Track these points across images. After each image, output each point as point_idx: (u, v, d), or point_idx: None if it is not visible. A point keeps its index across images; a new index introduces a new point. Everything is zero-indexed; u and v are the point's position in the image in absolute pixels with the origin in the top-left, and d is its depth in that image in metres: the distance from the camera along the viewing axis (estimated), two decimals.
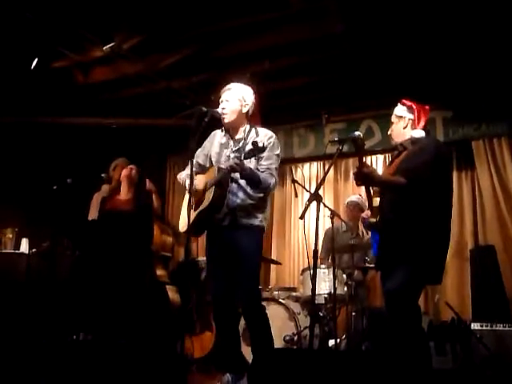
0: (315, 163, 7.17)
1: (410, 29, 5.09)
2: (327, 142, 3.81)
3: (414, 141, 3.61)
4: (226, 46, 5.61)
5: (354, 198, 5.99)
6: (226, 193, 3.60)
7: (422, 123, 3.68)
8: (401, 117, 3.73)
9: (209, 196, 3.58)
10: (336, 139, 3.68)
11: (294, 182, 4.97)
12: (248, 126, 3.75)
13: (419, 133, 3.63)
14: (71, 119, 6.61)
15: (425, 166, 3.37)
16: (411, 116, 3.70)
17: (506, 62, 5.55)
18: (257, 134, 3.69)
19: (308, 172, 7.16)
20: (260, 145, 3.44)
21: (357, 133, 3.58)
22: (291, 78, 6.18)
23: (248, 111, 3.76)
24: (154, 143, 7.46)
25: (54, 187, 4.84)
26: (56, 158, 6.56)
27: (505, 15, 4.80)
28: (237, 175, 3.58)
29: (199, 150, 3.92)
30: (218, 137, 3.88)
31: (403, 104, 3.77)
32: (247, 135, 3.71)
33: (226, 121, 3.73)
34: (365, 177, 3.36)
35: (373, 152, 6.77)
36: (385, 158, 6.78)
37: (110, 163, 5.12)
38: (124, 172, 4.98)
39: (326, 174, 3.69)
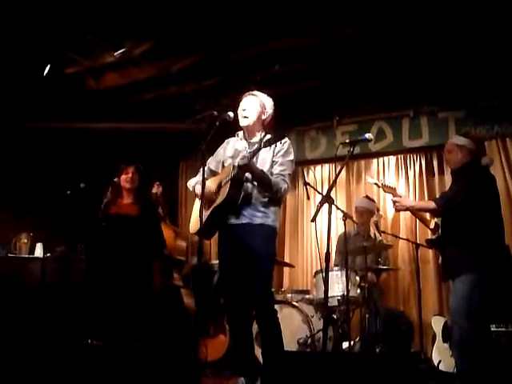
0: (327, 165, 7.15)
1: (421, 30, 5.07)
2: (338, 144, 3.84)
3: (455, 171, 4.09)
4: (237, 50, 5.58)
5: (363, 202, 5.99)
6: (241, 189, 3.61)
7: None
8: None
9: (224, 191, 3.60)
10: (347, 141, 3.77)
11: (306, 184, 4.96)
12: (264, 133, 3.80)
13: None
14: (84, 124, 6.65)
15: (455, 195, 3.86)
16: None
17: None
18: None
19: (320, 174, 7.14)
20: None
21: (367, 135, 3.66)
22: (302, 80, 6.17)
23: (266, 120, 3.84)
24: (165, 148, 7.48)
25: (68, 192, 4.87)
26: (69, 163, 6.60)
27: None
28: (250, 176, 3.61)
29: (212, 157, 3.97)
30: (231, 143, 3.94)
31: None
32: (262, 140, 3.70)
33: (244, 123, 3.80)
34: (398, 206, 4.08)
35: (384, 154, 6.78)
36: (397, 159, 6.76)
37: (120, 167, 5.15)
38: (123, 176, 5.03)
39: (337, 175, 3.73)
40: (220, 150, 3.98)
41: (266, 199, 3.66)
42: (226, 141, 3.98)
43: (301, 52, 5.55)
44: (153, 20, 5.11)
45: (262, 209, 3.65)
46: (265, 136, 3.74)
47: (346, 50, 5.49)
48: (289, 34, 5.24)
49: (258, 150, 3.53)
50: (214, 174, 3.93)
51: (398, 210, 4.36)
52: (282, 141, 3.70)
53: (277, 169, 3.68)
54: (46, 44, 5.24)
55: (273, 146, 3.62)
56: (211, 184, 3.77)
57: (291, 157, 3.76)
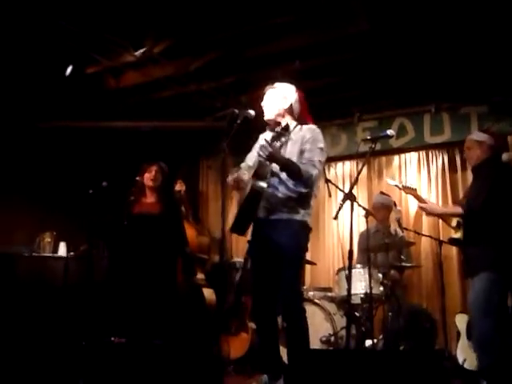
0: (348, 162, 7.13)
1: (442, 23, 5.03)
2: (360, 141, 3.83)
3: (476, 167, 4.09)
4: (256, 47, 5.58)
5: (378, 198, 5.98)
6: (263, 182, 3.53)
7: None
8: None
9: (248, 188, 3.58)
10: (368, 138, 3.76)
11: (327, 181, 4.93)
12: (294, 123, 3.74)
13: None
14: (105, 123, 6.69)
15: (477, 195, 3.84)
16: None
17: None
18: (301, 130, 3.69)
19: (341, 171, 7.14)
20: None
21: (389, 131, 3.66)
22: (322, 77, 6.13)
23: (291, 107, 3.78)
24: (186, 146, 7.51)
25: (90, 191, 4.91)
26: (91, 162, 6.65)
27: None
28: (279, 170, 3.56)
29: (250, 152, 3.95)
30: (261, 137, 3.89)
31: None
32: (291, 131, 3.68)
33: (265, 118, 3.79)
34: (427, 213, 4.28)
35: (406, 150, 6.74)
36: (418, 155, 6.73)
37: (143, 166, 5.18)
38: (146, 175, 5.06)
39: (359, 173, 3.75)
40: (255, 144, 3.96)
41: (295, 194, 3.58)
42: (260, 135, 3.94)
43: (320, 48, 5.53)
44: (171, 18, 5.12)
45: (291, 203, 3.58)
46: (295, 127, 3.70)
47: (366, 46, 5.45)
48: (308, 30, 5.22)
49: (273, 138, 3.53)
50: (251, 169, 3.92)
51: (426, 215, 4.37)
52: (312, 129, 3.69)
53: (305, 156, 3.59)
54: (67, 44, 5.28)
55: (300, 136, 3.61)
56: (246, 181, 3.72)
57: (320, 144, 3.66)
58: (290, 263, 3.57)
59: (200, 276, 5.78)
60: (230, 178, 3.65)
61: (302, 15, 4.98)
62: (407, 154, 6.80)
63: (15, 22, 4.96)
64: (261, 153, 3.46)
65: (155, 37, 5.41)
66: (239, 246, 6.75)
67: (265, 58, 5.74)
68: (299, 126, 3.70)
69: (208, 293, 5.67)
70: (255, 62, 5.84)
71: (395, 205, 5.83)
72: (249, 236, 3.80)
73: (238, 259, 6.00)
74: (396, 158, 6.87)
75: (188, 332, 5.13)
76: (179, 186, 5.48)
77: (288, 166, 3.53)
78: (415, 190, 4.50)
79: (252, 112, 3.58)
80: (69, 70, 5.56)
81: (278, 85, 3.85)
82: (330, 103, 6.81)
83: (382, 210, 5.88)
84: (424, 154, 6.69)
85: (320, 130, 3.75)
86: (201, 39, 5.48)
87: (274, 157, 3.47)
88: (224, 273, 5.56)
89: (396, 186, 4.72)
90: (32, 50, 5.41)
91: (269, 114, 3.79)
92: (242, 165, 3.91)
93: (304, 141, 3.64)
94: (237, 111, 3.52)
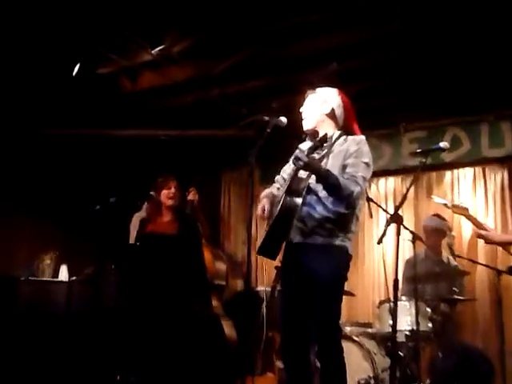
0: (391, 178, 7.05)
1: (500, 20, 4.92)
2: (407, 154, 3.74)
3: None
4: (287, 48, 5.57)
5: (431, 221, 5.86)
6: (297, 199, 3.48)
7: None
8: None
9: (279, 205, 3.51)
10: (419, 151, 3.68)
11: (368, 200, 4.86)
12: (337, 133, 3.66)
13: None
14: (117, 131, 6.73)
15: None
16: None
17: None
18: (345, 141, 3.61)
19: (383, 188, 7.06)
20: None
21: (442, 144, 3.58)
22: (361, 80, 6.03)
23: (332, 113, 3.70)
24: (206, 157, 7.49)
25: (97, 207, 4.90)
26: (99, 174, 6.68)
27: None
28: (316, 187, 3.49)
29: (286, 165, 3.90)
30: (304, 147, 3.80)
31: None
32: (334, 142, 3.61)
33: (304, 126, 3.73)
34: (486, 241, 4.18)
35: (460, 164, 6.64)
36: (474, 171, 6.62)
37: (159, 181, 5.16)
38: (164, 191, 5.06)
39: (407, 191, 3.68)
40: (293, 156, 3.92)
41: (333, 215, 3.49)
42: (300, 146, 3.86)
43: (359, 47, 5.46)
44: (194, 15, 5.12)
45: (329, 225, 3.49)
46: (338, 137, 3.63)
47: (413, 45, 5.36)
48: (344, 29, 5.18)
49: (312, 148, 3.46)
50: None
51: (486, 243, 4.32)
52: (357, 140, 3.60)
53: (347, 171, 3.50)
54: (78, 42, 5.32)
55: (344, 148, 3.53)
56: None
57: (365, 159, 3.56)
58: (327, 294, 3.48)
59: (215, 304, 5.72)
60: (259, 207, 3.60)
61: (337, 11, 4.92)
62: (461, 170, 6.70)
63: (22, 18, 5.00)
64: (295, 161, 3.38)
65: (177, 34, 5.42)
66: (265, 273, 6.68)
67: (298, 60, 5.72)
68: (343, 137, 3.62)
69: (227, 325, 5.61)
70: (287, 64, 5.82)
71: (450, 230, 5.72)
72: (277, 261, 3.72)
73: (263, 288, 5.92)
74: (448, 173, 6.77)
75: (207, 370, 5.08)
76: (192, 196, 5.41)
77: (326, 178, 3.43)
78: (467, 209, 4.40)
79: (284, 119, 3.53)
80: (76, 68, 5.58)
81: (318, 89, 3.79)
82: (372, 110, 6.63)
83: (433, 235, 5.79)
84: (481, 169, 6.60)
85: (365, 141, 3.64)
86: (226, 38, 5.46)
87: (310, 166, 3.40)
88: (248, 303, 5.48)
89: (444, 204, 4.61)
90: (38, 48, 5.43)
91: (308, 122, 3.72)
92: (277, 178, 3.88)
93: (347, 154, 3.54)
94: (266, 118, 3.49)
